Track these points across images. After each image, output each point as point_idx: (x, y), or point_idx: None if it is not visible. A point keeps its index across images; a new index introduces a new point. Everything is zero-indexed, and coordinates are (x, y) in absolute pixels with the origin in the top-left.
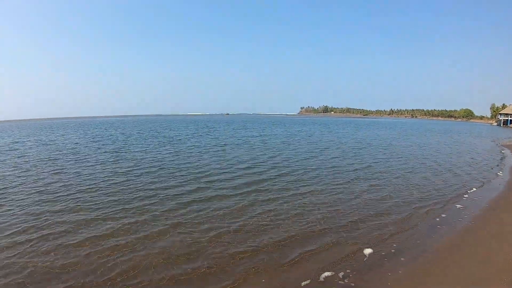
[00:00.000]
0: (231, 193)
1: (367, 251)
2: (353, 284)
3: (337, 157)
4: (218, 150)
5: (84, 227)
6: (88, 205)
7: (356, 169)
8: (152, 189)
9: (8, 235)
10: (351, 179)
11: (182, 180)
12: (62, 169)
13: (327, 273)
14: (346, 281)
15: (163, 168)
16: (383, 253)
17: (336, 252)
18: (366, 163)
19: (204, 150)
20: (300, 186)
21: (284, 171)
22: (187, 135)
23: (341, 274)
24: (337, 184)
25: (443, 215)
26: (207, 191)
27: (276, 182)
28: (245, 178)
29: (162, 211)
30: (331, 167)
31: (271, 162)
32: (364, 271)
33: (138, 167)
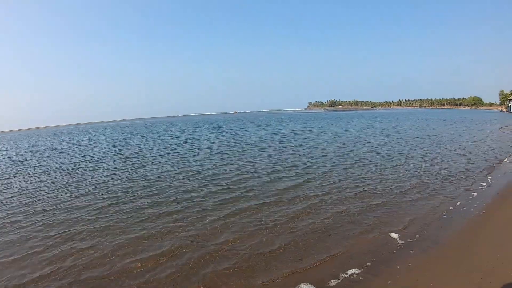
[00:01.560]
0: (263, 196)
1: (375, 244)
2: (361, 278)
3: (352, 151)
4: (241, 151)
5: (121, 239)
6: (115, 217)
7: (375, 160)
8: (186, 199)
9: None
10: (367, 169)
11: (215, 186)
12: (84, 178)
13: (333, 268)
14: (354, 276)
15: (189, 174)
16: (392, 246)
17: (342, 246)
18: (385, 154)
19: (226, 152)
20: (320, 184)
21: (314, 169)
22: (203, 136)
23: (349, 269)
24: (350, 177)
25: (455, 205)
26: (241, 198)
27: (305, 179)
28: (275, 180)
29: (203, 225)
30: (357, 162)
31: (302, 160)
32: (373, 265)
33: (164, 172)
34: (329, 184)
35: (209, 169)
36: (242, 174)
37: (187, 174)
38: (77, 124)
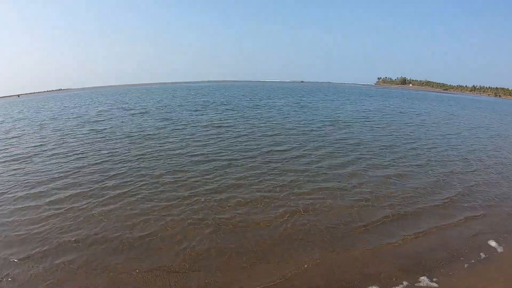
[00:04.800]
0: None
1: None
2: (436, 285)
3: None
4: (342, 128)
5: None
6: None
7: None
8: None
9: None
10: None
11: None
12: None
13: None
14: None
15: (297, 156)
16: (480, 254)
17: (422, 252)
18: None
19: (321, 128)
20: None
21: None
22: (285, 105)
23: (426, 275)
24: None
25: None
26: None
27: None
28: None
29: None
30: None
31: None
32: (452, 272)
33: (261, 148)
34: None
35: (316, 150)
36: (361, 160)
37: (297, 155)
38: (140, 84)
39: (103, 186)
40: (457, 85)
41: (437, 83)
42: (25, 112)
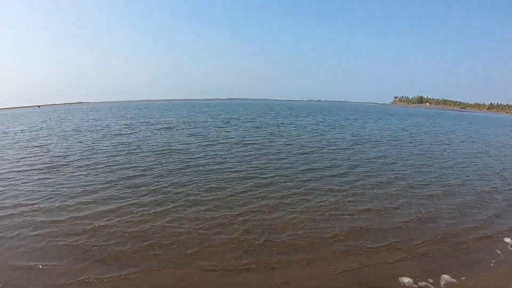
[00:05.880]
0: None
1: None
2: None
3: None
4: (378, 151)
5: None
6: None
7: None
8: None
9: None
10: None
11: None
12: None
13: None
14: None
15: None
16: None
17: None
18: None
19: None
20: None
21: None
22: (305, 125)
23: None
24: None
25: None
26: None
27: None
28: None
29: None
30: None
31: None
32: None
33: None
34: None
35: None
36: (399, 179)
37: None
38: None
39: (141, 200)
40: (474, 103)
41: (454, 101)
42: (48, 122)
